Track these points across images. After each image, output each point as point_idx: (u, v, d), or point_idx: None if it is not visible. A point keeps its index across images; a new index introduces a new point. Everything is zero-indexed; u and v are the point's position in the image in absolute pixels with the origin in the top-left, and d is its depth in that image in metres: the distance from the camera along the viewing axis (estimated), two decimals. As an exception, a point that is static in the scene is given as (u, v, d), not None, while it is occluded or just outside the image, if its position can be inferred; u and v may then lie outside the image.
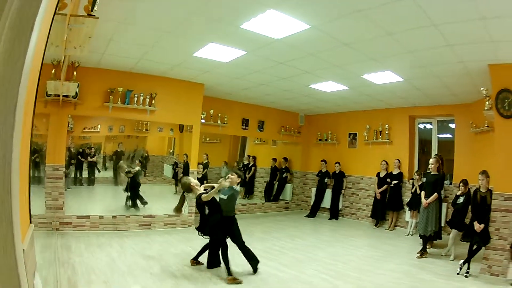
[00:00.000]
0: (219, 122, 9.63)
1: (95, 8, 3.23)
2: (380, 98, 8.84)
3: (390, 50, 5.49)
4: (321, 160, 10.94)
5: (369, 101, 9.22)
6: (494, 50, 5.17)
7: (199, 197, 5.06)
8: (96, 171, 8.13)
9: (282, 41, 5.23)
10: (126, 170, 8.21)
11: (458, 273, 5.61)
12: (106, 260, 5.23)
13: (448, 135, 9.48)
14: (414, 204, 7.84)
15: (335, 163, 10.64)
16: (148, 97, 7.55)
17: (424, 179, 7.20)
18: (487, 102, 6.34)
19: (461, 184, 6.72)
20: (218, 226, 5.06)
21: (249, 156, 10.97)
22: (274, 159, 11.36)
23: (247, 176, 10.70)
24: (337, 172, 10.58)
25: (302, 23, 4.58)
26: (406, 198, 8.80)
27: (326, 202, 10.63)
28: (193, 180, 5.35)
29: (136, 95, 7.43)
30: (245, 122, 10.36)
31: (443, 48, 5.17)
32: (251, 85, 8.16)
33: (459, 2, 3.83)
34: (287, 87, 8.18)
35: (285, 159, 11.47)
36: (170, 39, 5.44)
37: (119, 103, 7.29)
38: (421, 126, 9.88)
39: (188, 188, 5.22)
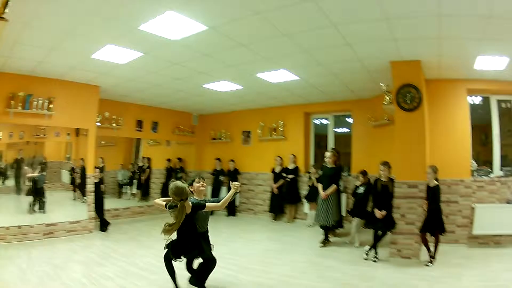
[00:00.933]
0: (113, 124, 9.35)
1: (6, 11, 3.13)
2: (275, 96, 9.12)
3: (286, 50, 5.74)
4: (216, 159, 11.09)
5: (263, 99, 9.48)
6: (396, 48, 5.61)
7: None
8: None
9: (179, 42, 5.33)
10: (28, 175, 7.83)
11: (365, 259, 6.01)
12: (17, 273, 5.02)
13: (345, 129, 10.12)
14: (312, 196, 8.15)
15: (230, 161, 10.85)
16: (46, 101, 7.30)
17: (320, 172, 7.47)
18: (387, 97, 6.84)
19: (360, 175, 7.25)
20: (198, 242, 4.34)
21: (143, 158, 10.79)
22: (169, 160, 11.34)
23: (142, 178, 10.61)
24: (231, 169, 10.78)
25: (200, 24, 4.69)
26: (304, 191, 9.23)
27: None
28: None
29: (35, 100, 7.15)
30: (139, 124, 10.20)
31: (343, 47, 5.53)
32: (146, 86, 8.07)
33: (362, 3, 4.14)
34: (181, 87, 8.20)
35: (180, 159, 11.54)
36: (70, 40, 5.34)
37: (20, 108, 6.98)
38: (317, 121, 10.45)
39: (185, 194, 3.94)
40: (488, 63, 6.31)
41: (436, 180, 5.88)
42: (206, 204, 4.16)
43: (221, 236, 7.76)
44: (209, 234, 4.60)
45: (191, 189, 4.27)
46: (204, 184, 4.46)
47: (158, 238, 6.98)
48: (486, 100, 7.75)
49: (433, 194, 5.84)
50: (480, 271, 5.48)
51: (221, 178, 10.80)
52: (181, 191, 3.89)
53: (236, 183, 4.28)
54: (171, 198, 4.01)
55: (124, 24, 4.70)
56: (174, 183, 3.94)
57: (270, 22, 4.60)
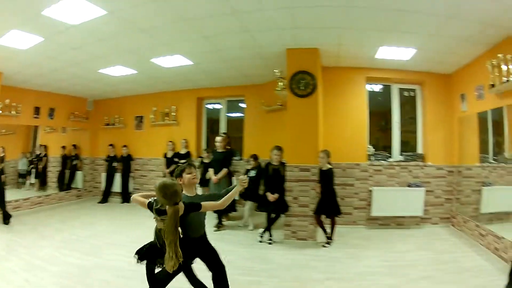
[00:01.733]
0: (13, 112, 9.11)
1: None
2: (168, 81, 9.24)
3: (185, 36, 5.86)
4: (109, 145, 11.04)
5: (156, 84, 9.58)
6: (294, 36, 5.87)
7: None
8: None
9: (78, 27, 5.28)
10: None
11: (260, 241, 6.25)
12: None
13: (238, 114, 10.34)
14: (205, 181, 8.23)
15: (123, 147, 10.86)
16: None
17: (212, 157, 7.68)
18: (280, 83, 7.13)
19: (251, 159, 7.49)
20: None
21: (40, 145, 10.53)
22: (64, 147, 11.13)
23: (39, 167, 10.37)
24: (124, 155, 10.81)
25: (100, 9, 4.69)
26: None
27: (118, 186, 10.84)
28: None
29: None
30: (37, 111, 9.93)
31: (241, 33, 5.72)
32: (44, 71, 7.94)
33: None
34: (78, 72, 8.13)
35: (74, 146, 11.35)
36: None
37: None
38: (210, 106, 10.69)
39: (179, 195, 3.09)
40: (392, 53, 6.66)
41: (329, 163, 6.19)
42: (202, 204, 3.27)
43: (117, 224, 7.86)
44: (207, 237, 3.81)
45: (180, 181, 3.42)
46: (196, 175, 3.60)
47: (57, 228, 7.14)
48: (387, 88, 8.17)
49: (326, 177, 6.15)
50: (381, 252, 5.79)
51: (115, 164, 10.80)
52: (173, 192, 3.00)
53: (242, 177, 3.52)
54: (152, 195, 3.32)
55: (28, 9, 4.67)
56: (163, 182, 3.04)
57: (170, 7, 4.71)
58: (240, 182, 3.46)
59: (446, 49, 6.28)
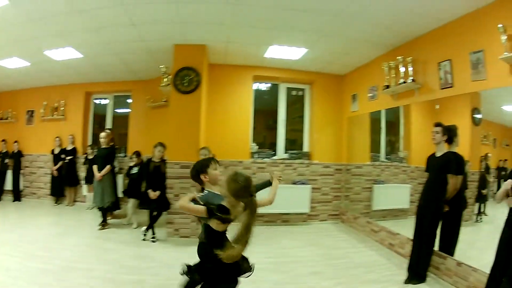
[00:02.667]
0: None
1: None
2: (58, 74, 9.10)
3: (75, 27, 5.80)
4: (1, 140, 10.64)
5: (48, 77, 9.41)
6: (181, 32, 5.99)
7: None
8: None
9: None
10: None
11: (143, 239, 6.27)
12: None
13: (126, 110, 10.34)
14: (90, 178, 8.25)
15: (14, 142, 10.51)
16: None
17: (96, 153, 7.66)
18: (165, 79, 7.30)
19: (134, 156, 7.58)
20: None
21: None
22: None
23: None
24: (15, 151, 10.49)
25: None
26: (83, 173, 9.32)
27: (9, 183, 10.46)
28: None
29: None
30: None
31: (129, 27, 5.74)
32: None
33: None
34: None
35: None
36: None
37: None
38: (98, 101, 10.63)
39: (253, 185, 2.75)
40: (281, 53, 6.94)
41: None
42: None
43: (9, 222, 7.61)
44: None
45: (204, 178, 3.05)
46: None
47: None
48: (275, 87, 8.51)
49: None
50: (267, 248, 5.95)
51: (7, 161, 10.39)
52: (249, 182, 2.71)
53: (277, 172, 3.31)
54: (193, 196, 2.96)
55: None
56: (235, 173, 2.74)
57: None
58: (275, 177, 3.30)
59: (340, 50, 6.64)
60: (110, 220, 7.53)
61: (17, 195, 10.24)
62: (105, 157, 7.17)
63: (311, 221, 7.90)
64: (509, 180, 3.36)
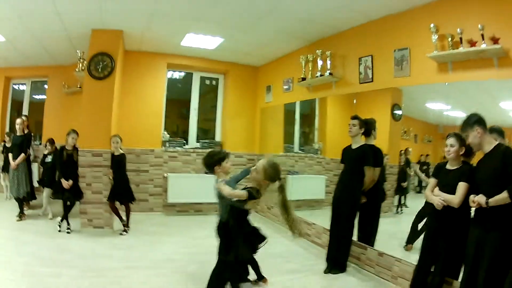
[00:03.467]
0: None
1: None
2: None
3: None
4: None
5: None
6: (100, 17, 5.97)
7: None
8: None
9: None
10: None
11: (59, 231, 6.14)
12: None
13: (43, 96, 10.17)
14: (7, 166, 7.95)
15: None
16: None
17: (12, 141, 7.42)
18: (80, 64, 7.36)
19: (48, 143, 7.52)
20: None
21: None
22: None
23: None
24: None
25: None
26: (0, 161, 8.94)
27: None
28: None
29: None
30: None
31: (48, 11, 5.61)
32: None
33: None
34: None
35: None
36: None
37: None
38: (16, 87, 10.40)
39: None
40: (197, 42, 7.13)
41: (121, 149, 6.41)
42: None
43: None
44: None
45: (218, 169, 3.69)
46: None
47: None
48: (190, 76, 8.74)
49: (118, 163, 6.35)
50: (180, 238, 6.07)
51: None
52: (279, 167, 3.60)
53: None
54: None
55: None
56: (273, 161, 3.58)
57: None
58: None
59: (257, 41, 6.90)
60: (27, 211, 7.30)
61: None
62: (20, 145, 6.97)
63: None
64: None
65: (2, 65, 9.48)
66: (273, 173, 3.50)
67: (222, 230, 3.70)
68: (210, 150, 4.24)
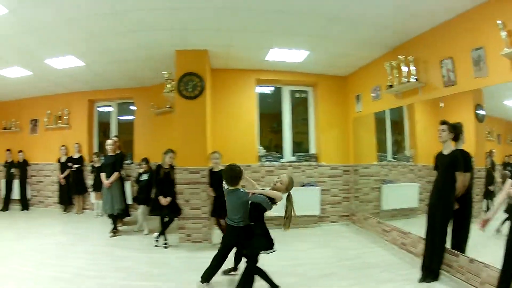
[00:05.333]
0: None
1: None
2: (60, 83, 9.49)
3: (74, 35, 6.04)
4: (6, 150, 11.11)
5: (50, 86, 9.82)
6: (182, 37, 6.26)
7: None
8: None
9: None
10: None
11: (156, 246, 6.49)
12: None
13: (130, 117, 10.75)
14: (98, 185, 8.51)
15: (19, 152, 11.00)
16: None
17: (103, 161, 7.91)
18: (168, 85, 7.66)
19: (143, 162, 7.88)
20: None
21: None
22: None
23: None
24: (21, 161, 10.97)
25: (1, 7, 4.81)
26: (90, 180, 9.68)
27: (16, 193, 10.95)
28: None
29: None
30: None
31: (127, 34, 5.99)
32: None
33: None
34: None
35: None
36: None
37: None
38: (101, 109, 11.07)
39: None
40: (283, 56, 7.23)
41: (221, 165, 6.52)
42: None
43: (18, 231, 7.88)
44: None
45: (239, 181, 4.61)
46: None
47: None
48: (279, 90, 8.86)
49: (219, 179, 6.36)
50: (280, 251, 5.88)
51: (13, 170, 10.91)
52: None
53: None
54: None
55: None
56: (291, 177, 4.59)
57: (57, 5, 4.85)
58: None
59: (342, 51, 6.91)
60: (120, 227, 7.77)
61: (25, 204, 10.73)
62: (113, 164, 7.43)
63: (321, 223, 8.19)
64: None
65: (85, 89, 10.20)
66: (291, 185, 4.50)
67: (243, 232, 4.49)
68: (231, 165, 4.63)
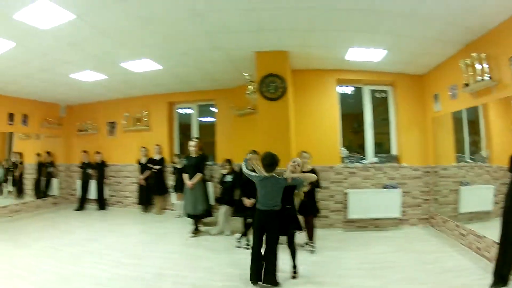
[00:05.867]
0: None
1: None
2: (139, 86, 9.80)
3: (150, 39, 6.21)
4: (83, 151, 11.53)
5: (127, 89, 10.14)
6: (261, 39, 6.33)
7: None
8: None
9: (49, 32, 5.55)
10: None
11: (238, 246, 6.57)
12: None
13: (210, 119, 11.02)
14: (179, 186, 8.68)
15: (96, 153, 11.40)
16: None
17: (185, 162, 8.00)
18: (250, 87, 7.68)
19: (226, 164, 7.99)
20: None
21: (15, 153, 10.89)
22: (38, 154, 11.54)
23: (16, 174, 10.77)
24: (98, 162, 11.35)
25: (69, 13, 4.94)
26: (171, 181, 9.94)
27: (93, 193, 11.34)
28: None
29: None
30: (11, 117, 10.38)
31: (205, 36, 6.08)
32: (17, 78, 8.34)
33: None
34: (49, 78, 8.51)
35: (48, 153, 11.81)
36: None
37: None
38: (181, 111, 11.37)
39: None
40: (362, 55, 7.18)
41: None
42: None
43: (95, 230, 8.17)
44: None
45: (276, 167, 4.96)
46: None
47: (35, 237, 7.43)
48: (359, 90, 8.81)
49: None
50: (360, 254, 6.09)
51: (89, 171, 11.29)
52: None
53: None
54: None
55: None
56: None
57: (133, 9, 4.97)
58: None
59: (418, 49, 6.79)
60: (202, 228, 7.88)
61: (102, 204, 11.14)
62: (196, 165, 7.57)
63: (401, 226, 8.03)
64: None
65: (163, 91, 10.51)
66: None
67: (277, 216, 4.81)
68: (270, 152, 5.00)
